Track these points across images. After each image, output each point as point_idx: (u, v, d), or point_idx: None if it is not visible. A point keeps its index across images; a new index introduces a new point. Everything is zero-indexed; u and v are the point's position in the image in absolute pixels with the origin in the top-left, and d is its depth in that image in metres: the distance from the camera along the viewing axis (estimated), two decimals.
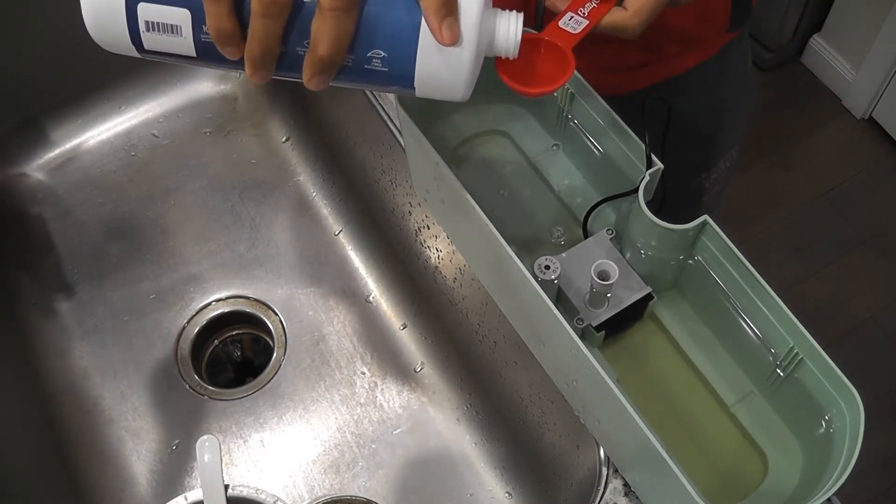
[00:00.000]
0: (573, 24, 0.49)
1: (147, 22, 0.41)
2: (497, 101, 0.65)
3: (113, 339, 0.87)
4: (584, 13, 0.49)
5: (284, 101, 0.99)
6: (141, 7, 0.41)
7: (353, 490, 0.79)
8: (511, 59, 0.44)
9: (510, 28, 0.43)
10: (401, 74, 0.42)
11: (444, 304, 0.82)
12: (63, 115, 0.98)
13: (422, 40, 0.40)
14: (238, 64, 0.42)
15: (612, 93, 0.58)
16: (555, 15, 0.50)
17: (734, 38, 0.75)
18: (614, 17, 0.49)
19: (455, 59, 0.41)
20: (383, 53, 0.41)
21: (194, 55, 0.42)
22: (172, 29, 0.41)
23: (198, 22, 0.41)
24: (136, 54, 0.43)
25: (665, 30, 0.64)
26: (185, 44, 0.42)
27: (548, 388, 0.67)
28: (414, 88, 0.42)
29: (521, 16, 0.43)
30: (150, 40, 0.42)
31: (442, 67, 0.41)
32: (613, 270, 0.52)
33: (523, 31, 0.45)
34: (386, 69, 0.41)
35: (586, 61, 0.51)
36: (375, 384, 0.84)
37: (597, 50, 0.54)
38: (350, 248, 0.92)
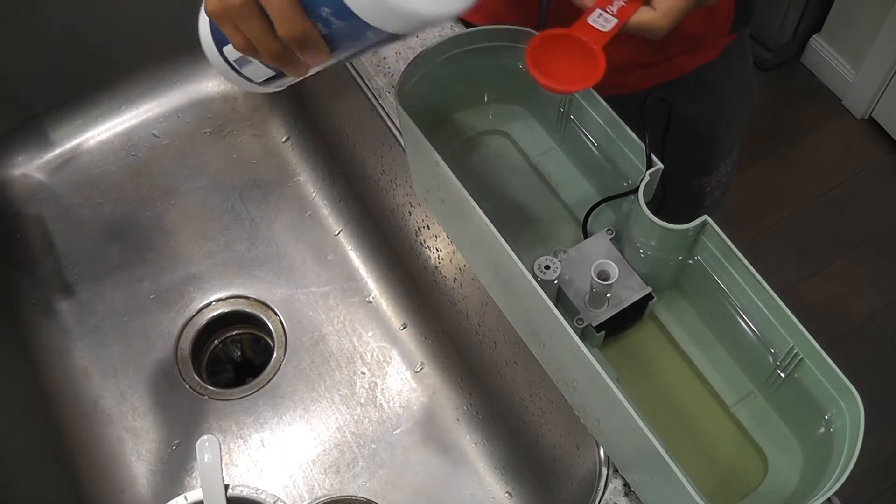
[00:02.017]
0: (602, 21, 0.48)
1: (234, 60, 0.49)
2: (497, 102, 0.65)
3: (113, 339, 0.87)
4: (612, 11, 0.48)
5: (284, 101, 0.99)
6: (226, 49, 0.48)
7: (353, 490, 0.79)
8: None
9: None
10: (350, 19, 0.41)
11: (444, 304, 0.82)
12: (63, 115, 0.98)
13: None
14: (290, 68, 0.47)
15: (614, 93, 0.58)
16: (580, 11, 0.49)
17: (736, 39, 0.75)
18: (643, 17, 0.48)
19: None
20: (328, 9, 0.41)
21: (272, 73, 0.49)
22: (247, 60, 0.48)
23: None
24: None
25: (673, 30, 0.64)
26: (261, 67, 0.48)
27: (548, 388, 0.67)
28: (377, 27, 0.42)
29: None
30: (246, 70, 0.49)
31: None
32: (613, 270, 0.52)
33: (553, 28, 0.44)
34: (342, 21, 0.42)
35: None
36: (375, 384, 0.84)
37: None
38: (350, 248, 0.92)
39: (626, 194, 0.55)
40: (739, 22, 0.73)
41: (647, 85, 0.74)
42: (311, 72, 0.48)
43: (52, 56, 0.94)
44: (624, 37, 0.50)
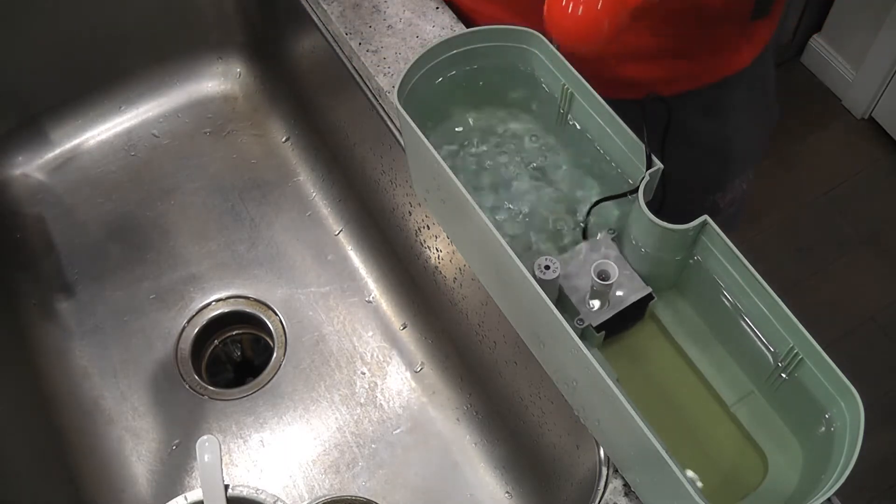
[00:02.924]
0: None
1: None
2: (497, 102, 0.65)
3: (113, 339, 0.87)
4: None
5: (284, 101, 0.99)
6: None
7: (353, 490, 0.79)
8: None
9: None
10: None
11: (444, 304, 0.82)
12: (63, 115, 0.98)
13: None
14: None
15: (630, 96, 0.57)
16: None
17: (759, 59, 0.75)
18: None
19: None
20: None
21: None
22: None
23: None
24: None
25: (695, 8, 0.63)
26: None
27: (548, 388, 0.67)
28: None
29: None
30: None
31: None
32: (613, 270, 0.52)
33: None
34: None
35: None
36: (375, 384, 0.84)
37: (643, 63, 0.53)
38: (350, 248, 0.92)
39: (626, 194, 0.55)
40: (760, 10, 0.72)
41: (669, 93, 0.74)
42: None
43: (52, 56, 0.94)
44: (654, 54, 0.49)
